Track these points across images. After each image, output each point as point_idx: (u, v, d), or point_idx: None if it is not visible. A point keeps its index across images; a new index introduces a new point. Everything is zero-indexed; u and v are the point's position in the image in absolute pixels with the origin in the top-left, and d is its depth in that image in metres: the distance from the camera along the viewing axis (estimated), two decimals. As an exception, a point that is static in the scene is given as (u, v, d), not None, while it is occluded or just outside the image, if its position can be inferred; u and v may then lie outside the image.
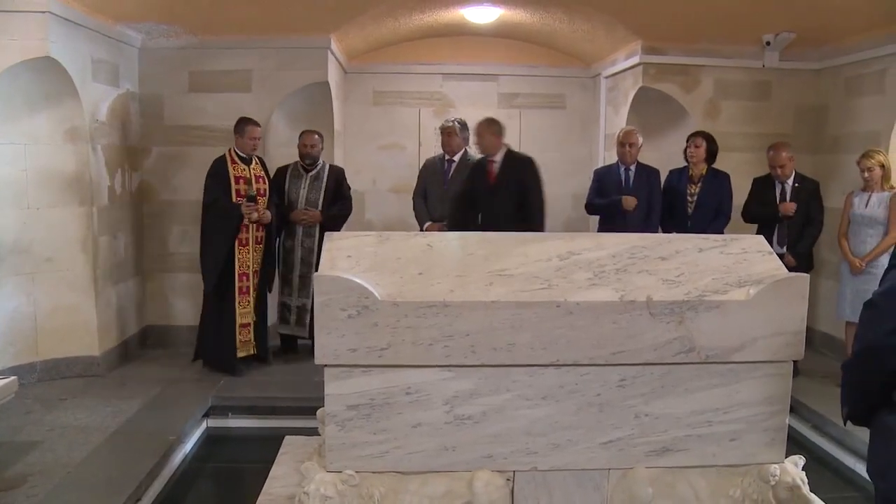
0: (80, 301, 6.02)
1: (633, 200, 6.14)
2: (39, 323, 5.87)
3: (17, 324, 5.74)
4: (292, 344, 6.80)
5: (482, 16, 7.42)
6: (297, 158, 6.68)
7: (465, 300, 2.89)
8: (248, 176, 6.25)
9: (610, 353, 2.91)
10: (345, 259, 3.12)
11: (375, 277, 2.97)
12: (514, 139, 8.69)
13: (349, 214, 6.81)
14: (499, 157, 5.92)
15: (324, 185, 6.61)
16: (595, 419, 2.97)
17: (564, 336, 2.89)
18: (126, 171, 6.70)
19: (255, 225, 6.24)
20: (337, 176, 6.72)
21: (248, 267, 6.26)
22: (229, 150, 6.29)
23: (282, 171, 6.68)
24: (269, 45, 6.95)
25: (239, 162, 6.26)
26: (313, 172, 6.63)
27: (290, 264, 6.67)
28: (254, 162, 6.37)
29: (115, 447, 4.70)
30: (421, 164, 8.47)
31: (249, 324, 6.34)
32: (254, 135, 6.25)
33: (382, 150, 8.59)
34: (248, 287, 6.28)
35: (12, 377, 4.64)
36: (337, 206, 6.65)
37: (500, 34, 8.31)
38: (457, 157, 6.51)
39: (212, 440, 5.37)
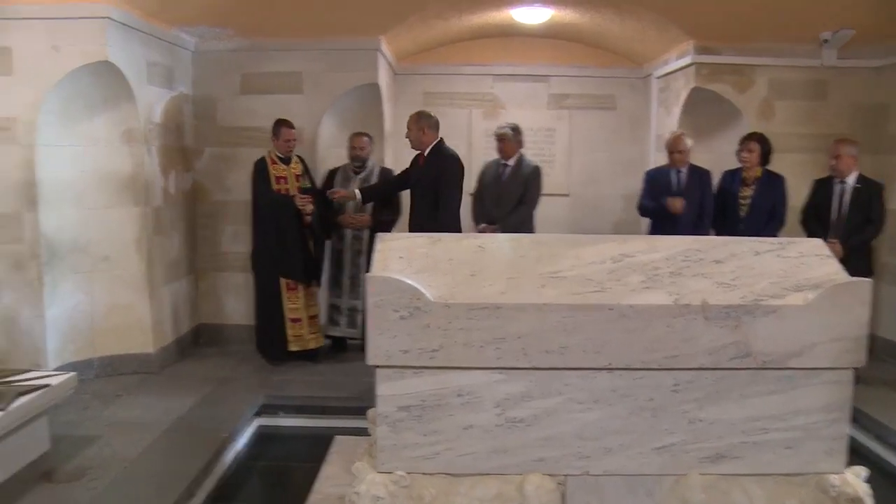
0: (135, 299, 6.12)
1: (679, 203, 6.06)
2: (97, 320, 5.99)
3: (76, 321, 5.87)
4: (342, 344, 6.85)
5: (532, 16, 7.38)
6: (347, 160, 6.71)
7: (516, 302, 2.89)
8: (287, 175, 6.38)
9: (663, 357, 2.88)
10: (397, 260, 3.13)
11: (427, 279, 2.98)
12: (564, 140, 8.66)
13: (398, 218, 6.80)
14: (427, 152, 5.98)
15: None
16: (648, 424, 2.94)
17: (617, 339, 2.87)
18: (179, 171, 6.81)
19: (306, 221, 6.40)
20: (386, 177, 6.75)
21: None
22: (269, 152, 6.43)
23: (332, 173, 6.72)
24: (320, 47, 6.99)
25: (279, 162, 6.40)
26: (363, 175, 6.63)
27: (339, 266, 6.71)
28: (293, 161, 6.48)
29: (169, 444, 4.77)
30: (471, 166, 8.48)
31: (300, 319, 6.46)
32: (288, 136, 6.38)
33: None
34: (295, 283, 6.43)
35: (71, 373, 4.76)
36: (387, 210, 6.65)
37: (549, 34, 8.27)
38: (512, 161, 6.48)
39: (263, 438, 5.41)
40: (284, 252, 6.34)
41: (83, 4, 5.37)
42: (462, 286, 3.00)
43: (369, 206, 6.55)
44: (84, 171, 5.82)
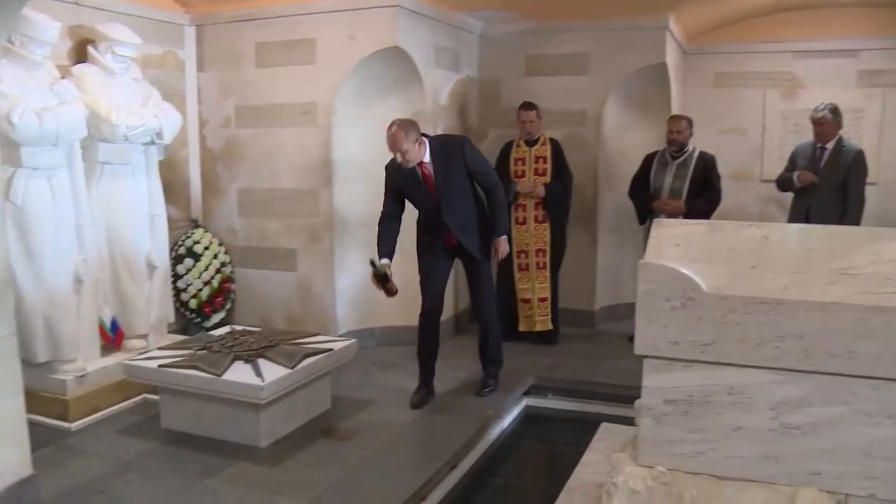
0: (415, 274, 6.41)
1: None
2: (380, 292, 6.36)
3: (361, 292, 6.27)
4: None
5: (841, -15, 6.74)
6: (665, 144, 6.44)
7: (801, 299, 2.64)
8: (526, 157, 6.39)
9: (980, 375, 2.49)
10: (672, 247, 3.00)
11: (703, 268, 2.82)
12: (874, 122, 7.82)
13: (716, 207, 6.38)
14: (427, 158, 4.91)
15: (690, 173, 6.29)
16: (955, 450, 2.56)
17: (920, 349, 2.53)
18: (464, 152, 7.05)
19: (533, 203, 6.41)
20: (706, 164, 6.34)
21: (527, 245, 6.49)
22: (519, 135, 6.49)
23: (649, 157, 6.52)
24: (606, 28, 6.85)
25: (523, 145, 6.44)
26: (680, 160, 6.33)
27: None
28: (539, 144, 6.44)
29: (438, 414, 4.98)
30: (763, 149, 7.98)
31: (529, 300, 6.54)
32: (522, 118, 6.39)
33: (722, 134, 8.13)
34: (526, 264, 6.51)
35: (353, 340, 5.13)
36: (703, 198, 6.27)
37: (862, 3, 7.47)
38: (829, 145, 5.98)
39: (529, 418, 5.47)
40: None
41: (376, -5, 5.72)
42: (741, 278, 2.80)
43: (684, 189, 6.26)
44: (374, 151, 6.20)
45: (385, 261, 4.93)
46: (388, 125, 4.80)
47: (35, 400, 4.34)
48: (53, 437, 4.51)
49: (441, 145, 4.99)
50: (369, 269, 4.90)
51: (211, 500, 3.78)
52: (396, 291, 4.94)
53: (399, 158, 4.78)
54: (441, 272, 5.19)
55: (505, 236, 5.15)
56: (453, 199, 4.98)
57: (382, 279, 4.86)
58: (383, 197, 5.11)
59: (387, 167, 5.03)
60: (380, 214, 5.10)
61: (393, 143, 4.74)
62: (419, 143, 4.80)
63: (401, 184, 4.98)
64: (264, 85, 6.20)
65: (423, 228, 5.18)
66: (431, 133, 6.19)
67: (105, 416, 4.85)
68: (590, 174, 6.94)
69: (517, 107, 6.50)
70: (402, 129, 4.73)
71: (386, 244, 5.00)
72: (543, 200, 6.40)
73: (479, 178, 5.03)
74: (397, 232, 5.06)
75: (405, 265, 5.44)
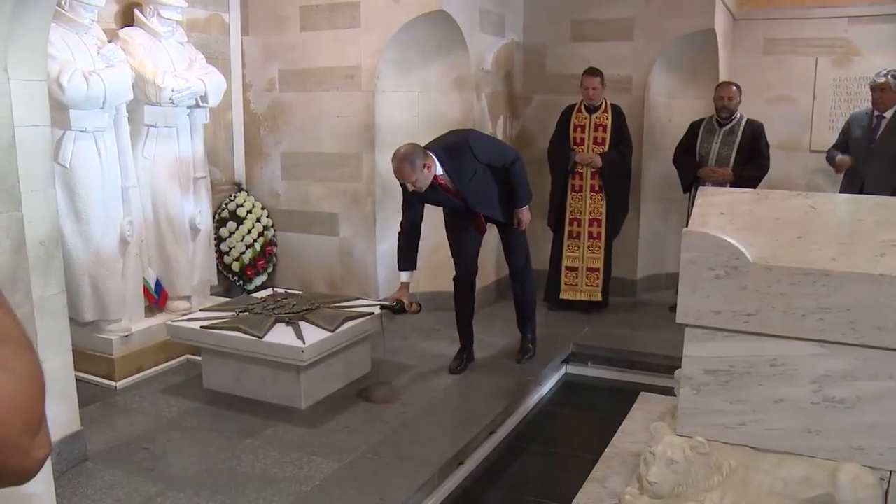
0: (443, 239, 6.38)
1: None
2: (422, 258, 6.36)
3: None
4: None
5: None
6: (714, 111, 6.29)
7: (848, 270, 2.59)
8: (586, 125, 6.30)
9: None
10: (717, 216, 2.96)
11: (749, 237, 2.78)
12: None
13: (764, 175, 6.23)
14: (440, 170, 4.68)
15: (738, 140, 6.17)
16: None
17: (971, 323, 2.47)
18: (508, 118, 6.99)
19: (591, 171, 6.32)
20: (754, 132, 6.21)
21: (582, 213, 6.42)
22: (581, 100, 6.37)
23: (695, 125, 6.41)
24: (651, -8, 6.74)
25: (584, 111, 6.34)
26: (728, 127, 6.21)
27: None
28: (601, 110, 6.34)
29: (477, 380, 4.99)
30: (812, 119, 7.81)
31: (577, 268, 6.48)
32: (585, 84, 6.26)
33: (771, 103, 7.94)
34: (578, 232, 6.44)
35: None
36: (751, 166, 6.15)
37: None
38: (888, 114, 5.79)
39: (569, 386, 5.48)
40: (553, 203, 6.48)
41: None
42: (786, 248, 2.76)
43: (732, 157, 6.13)
44: (417, 116, 6.19)
45: (405, 275, 4.89)
46: (392, 155, 4.60)
47: (82, 358, 4.45)
48: (100, 395, 4.62)
49: (447, 152, 4.71)
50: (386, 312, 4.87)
51: (251, 460, 3.84)
52: (420, 307, 4.95)
53: (410, 188, 4.60)
54: (473, 243, 5.14)
55: (527, 206, 5.05)
56: (478, 192, 4.83)
57: (400, 311, 4.78)
58: (402, 206, 4.92)
59: (402, 183, 4.71)
60: (400, 224, 4.98)
61: (401, 178, 4.56)
62: (427, 166, 4.53)
63: (421, 198, 4.79)
64: (308, 49, 6.20)
65: (451, 217, 5.14)
66: (476, 96, 6.17)
67: (149, 376, 4.95)
68: (635, 142, 6.82)
69: (565, 73, 6.41)
70: (406, 163, 4.47)
71: (409, 258, 4.91)
72: (600, 170, 6.32)
73: (495, 164, 4.82)
74: (418, 245, 4.97)
75: (432, 230, 5.43)
